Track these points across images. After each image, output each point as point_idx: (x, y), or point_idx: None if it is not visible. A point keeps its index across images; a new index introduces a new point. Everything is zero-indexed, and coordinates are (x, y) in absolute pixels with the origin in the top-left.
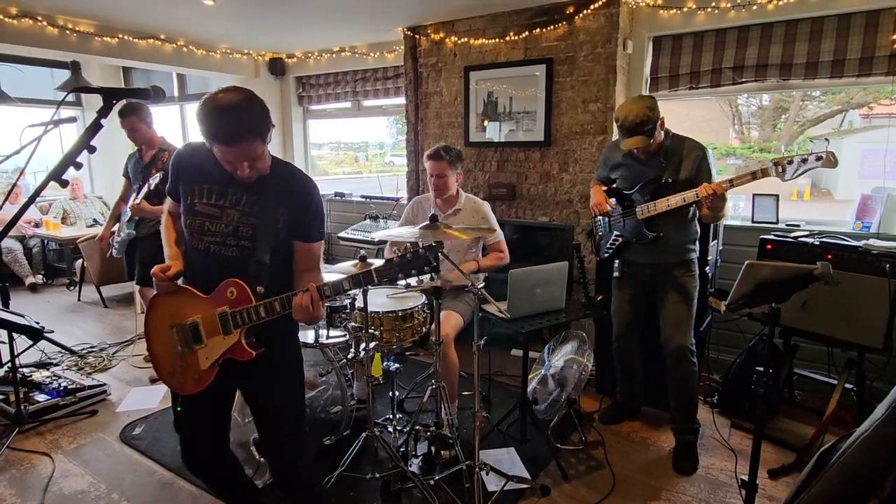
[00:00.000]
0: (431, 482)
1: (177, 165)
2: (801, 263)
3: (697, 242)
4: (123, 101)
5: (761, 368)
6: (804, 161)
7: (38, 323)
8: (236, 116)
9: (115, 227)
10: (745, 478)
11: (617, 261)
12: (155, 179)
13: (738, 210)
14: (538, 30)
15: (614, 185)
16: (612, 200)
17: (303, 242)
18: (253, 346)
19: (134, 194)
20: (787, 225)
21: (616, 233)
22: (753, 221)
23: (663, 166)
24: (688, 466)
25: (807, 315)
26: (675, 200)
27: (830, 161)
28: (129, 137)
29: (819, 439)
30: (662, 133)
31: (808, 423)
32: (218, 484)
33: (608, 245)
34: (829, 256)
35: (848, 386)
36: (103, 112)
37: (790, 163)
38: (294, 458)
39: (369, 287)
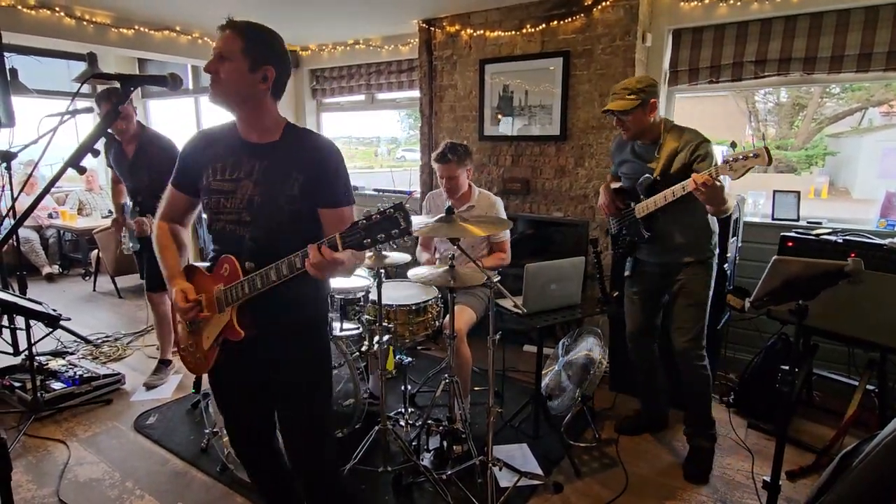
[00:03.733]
0: (444, 477)
1: (187, 154)
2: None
3: (713, 240)
4: (107, 88)
5: (785, 367)
6: (745, 158)
7: (55, 311)
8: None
9: (124, 234)
10: (766, 478)
11: (630, 259)
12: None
13: (758, 207)
14: (555, 22)
15: (620, 183)
16: (632, 200)
17: (330, 209)
18: (245, 326)
19: (128, 197)
20: (808, 222)
21: (624, 231)
22: (774, 218)
23: (655, 160)
24: (695, 473)
25: (828, 314)
26: (666, 195)
27: (764, 158)
28: (119, 128)
29: (839, 441)
30: (651, 118)
31: (827, 425)
32: (259, 473)
33: (619, 244)
34: (853, 254)
35: (869, 387)
36: (121, 99)
37: (736, 160)
38: (311, 469)
39: (384, 280)
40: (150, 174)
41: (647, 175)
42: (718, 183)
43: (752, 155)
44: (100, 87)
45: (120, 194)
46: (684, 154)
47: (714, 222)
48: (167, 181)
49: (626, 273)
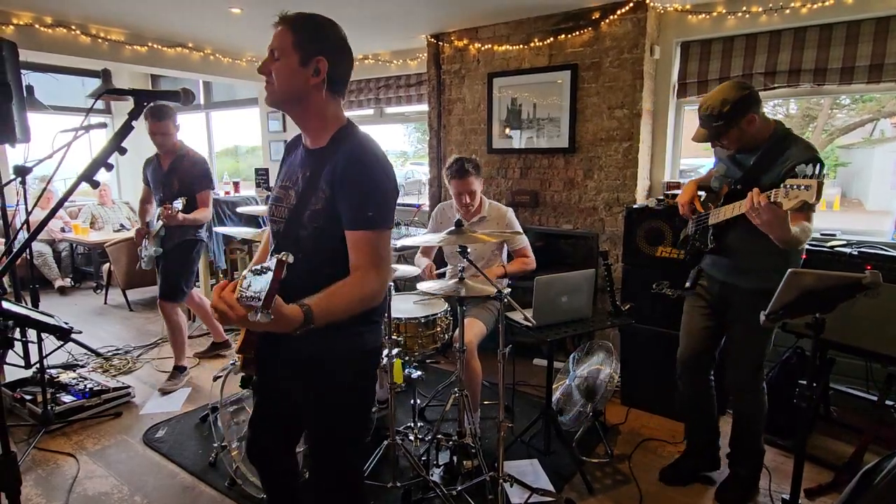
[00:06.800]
0: (454, 492)
1: (282, 160)
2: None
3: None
4: (157, 104)
5: (802, 382)
6: (798, 188)
7: (66, 324)
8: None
9: (144, 242)
10: (785, 496)
11: (694, 269)
12: (179, 205)
13: None
14: (563, 36)
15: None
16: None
17: (349, 231)
18: (247, 345)
19: (156, 206)
20: (821, 234)
21: (697, 235)
22: None
23: (749, 168)
24: (731, 499)
25: (845, 328)
26: (734, 208)
27: (812, 195)
28: (157, 142)
29: (859, 458)
30: (751, 130)
31: (845, 441)
32: (268, 479)
33: (687, 248)
34: (869, 267)
35: (889, 403)
36: (134, 114)
37: (793, 188)
38: (329, 486)
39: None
40: (180, 182)
41: (731, 179)
42: (776, 207)
43: (803, 187)
44: (114, 103)
45: (146, 213)
46: (780, 168)
47: (797, 252)
48: (196, 191)
49: (687, 284)
